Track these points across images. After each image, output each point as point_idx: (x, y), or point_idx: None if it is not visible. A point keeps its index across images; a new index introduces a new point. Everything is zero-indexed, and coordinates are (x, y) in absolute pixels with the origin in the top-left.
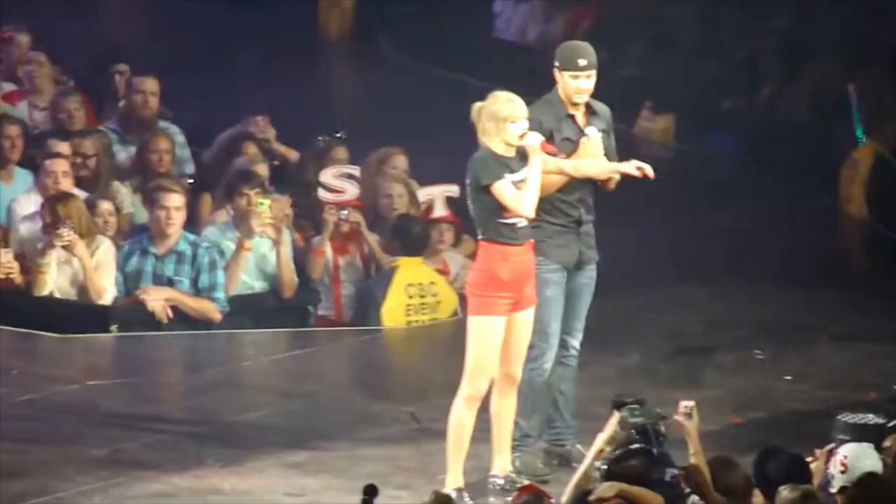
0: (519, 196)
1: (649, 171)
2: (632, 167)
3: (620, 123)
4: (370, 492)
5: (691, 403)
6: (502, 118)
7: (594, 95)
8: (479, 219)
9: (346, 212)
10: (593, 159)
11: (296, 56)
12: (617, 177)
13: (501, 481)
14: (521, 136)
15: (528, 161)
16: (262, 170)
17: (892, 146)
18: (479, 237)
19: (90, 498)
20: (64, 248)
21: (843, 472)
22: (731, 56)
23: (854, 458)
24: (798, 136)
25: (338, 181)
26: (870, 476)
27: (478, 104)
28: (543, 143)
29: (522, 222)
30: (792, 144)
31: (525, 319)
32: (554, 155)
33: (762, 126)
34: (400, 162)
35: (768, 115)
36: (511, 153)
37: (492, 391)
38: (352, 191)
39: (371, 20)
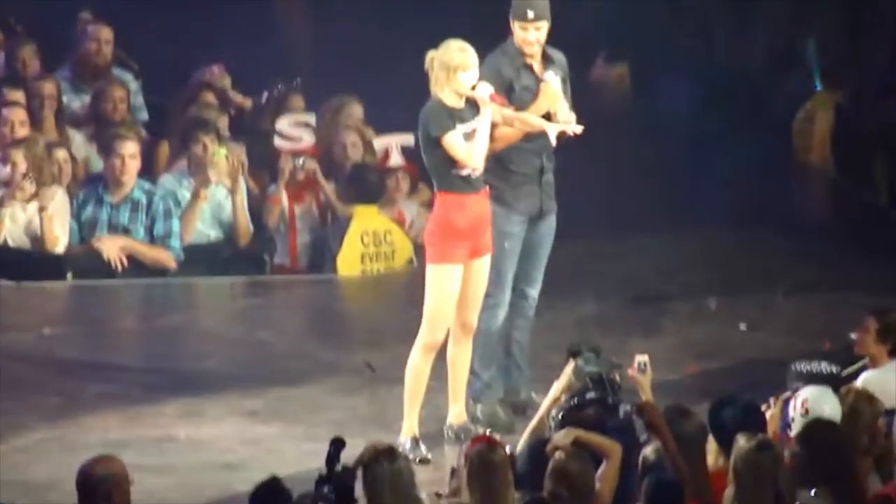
0: (468, 148)
1: (570, 129)
2: (555, 130)
3: (574, 73)
4: (337, 444)
5: (644, 358)
6: (453, 67)
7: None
8: (432, 170)
9: (302, 160)
10: (555, 104)
11: (251, 4)
12: (569, 131)
13: (457, 430)
14: (473, 87)
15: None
16: (221, 119)
17: (849, 94)
18: (435, 188)
19: (46, 446)
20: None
21: (803, 416)
22: (683, 3)
23: (815, 402)
24: (751, 84)
25: (294, 129)
26: (817, 422)
27: (431, 53)
28: (493, 95)
29: (476, 172)
30: (746, 93)
31: (482, 267)
32: (504, 107)
33: (716, 74)
34: (355, 111)
35: (722, 63)
36: (462, 104)
37: (448, 340)
38: (308, 139)
39: None
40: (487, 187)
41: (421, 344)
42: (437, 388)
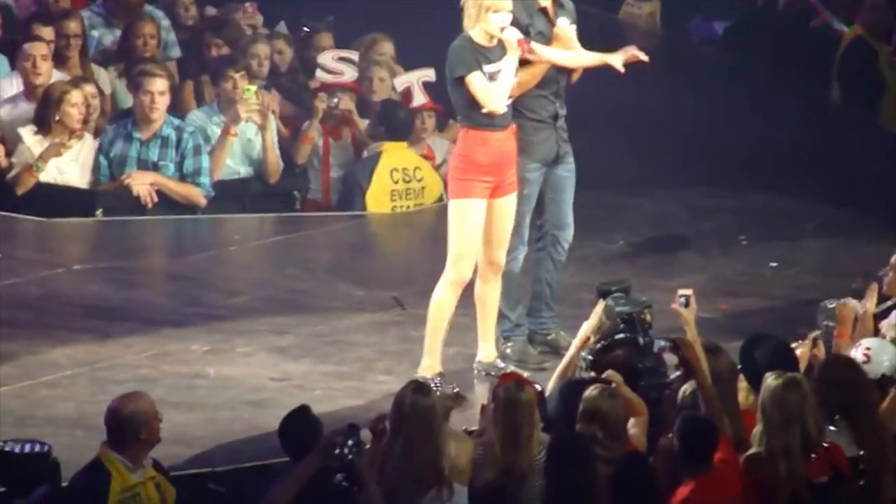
0: (490, 89)
1: (642, 55)
2: (619, 61)
3: (604, 9)
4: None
5: (688, 292)
6: (486, 6)
7: None
8: (457, 106)
9: (336, 99)
10: (567, 49)
11: None
12: (580, 68)
13: (486, 368)
14: (502, 29)
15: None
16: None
17: (872, 27)
18: (459, 123)
19: (75, 382)
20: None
21: (865, 364)
22: None
23: (877, 352)
24: (781, 23)
25: (336, 64)
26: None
27: None
28: (520, 41)
29: (497, 113)
30: (775, 31)
31: (507, 205)
32: (530, 52)
33: (747, 10)
34: (387, 48)
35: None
36: (491, 43)
37: (476, 277)
38: (350, 73)
39: None
40: (514, 125)
41: (447, 280)
42: (466, 325)
